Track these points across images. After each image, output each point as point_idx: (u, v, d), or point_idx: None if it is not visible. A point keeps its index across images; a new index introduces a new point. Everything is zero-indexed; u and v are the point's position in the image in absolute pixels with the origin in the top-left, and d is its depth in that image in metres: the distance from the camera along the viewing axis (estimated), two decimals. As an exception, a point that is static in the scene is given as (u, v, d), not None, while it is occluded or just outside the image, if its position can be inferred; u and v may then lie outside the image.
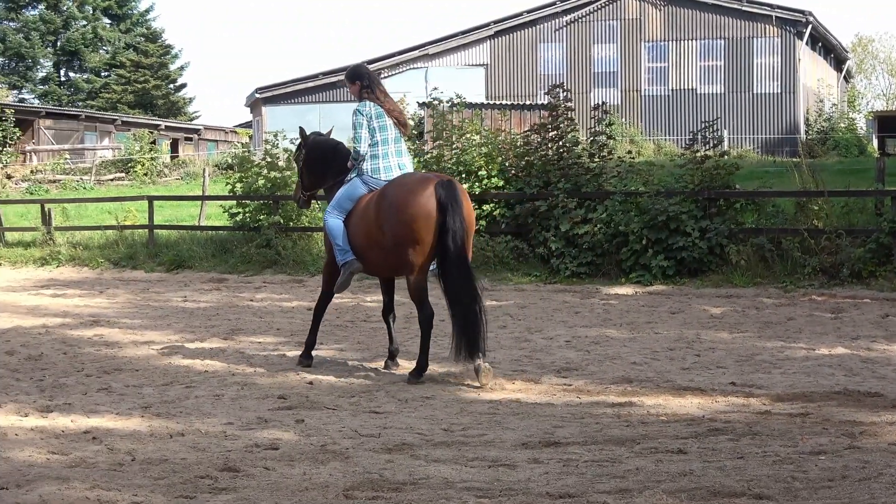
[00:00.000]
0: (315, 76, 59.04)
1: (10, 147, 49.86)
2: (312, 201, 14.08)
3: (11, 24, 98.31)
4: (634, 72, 55.45)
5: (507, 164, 21.98)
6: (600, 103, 25.83)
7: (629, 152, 23.19)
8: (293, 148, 25.04)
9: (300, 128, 12.67)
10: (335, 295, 12.35)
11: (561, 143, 21.56)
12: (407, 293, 11.12)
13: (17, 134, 52.60)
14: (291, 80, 59.71)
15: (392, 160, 11.50)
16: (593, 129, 22.08)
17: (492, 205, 21.43)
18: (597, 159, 21.36)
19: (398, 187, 10.96)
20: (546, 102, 26.08)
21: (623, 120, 51.58)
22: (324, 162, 12.18)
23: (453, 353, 10.64)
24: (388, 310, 11.95)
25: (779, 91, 53.22)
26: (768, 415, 8.92)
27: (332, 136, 12.56)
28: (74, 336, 14.37)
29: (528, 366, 11.59)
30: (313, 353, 11.98)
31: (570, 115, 21.85)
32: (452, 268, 10.60)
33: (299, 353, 12.20)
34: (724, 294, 17.67)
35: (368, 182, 11.41)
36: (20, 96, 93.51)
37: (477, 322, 10.51)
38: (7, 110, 52.54)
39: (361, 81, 11.72)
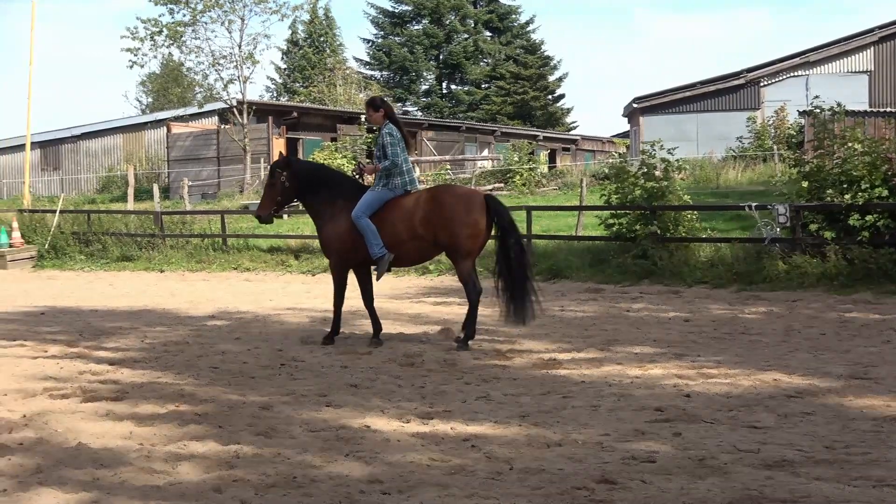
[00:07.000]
0: (693, 85, 58.67)
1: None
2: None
3: (396, 38, 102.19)
4: None
5: (890, 174, 21.20)
6: None
7: None
8: (664, 156, 24.96)
9: (280, 152, 16.22)
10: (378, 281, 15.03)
11: (948, 150, 20.70)
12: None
13: (403, 145, 54.52)
14: (669, 90, 59.51)
15: (413, 174, 14.67)
16: (984, 136, 21.11)
17: (874, 215, 20.70)
18: None
19: (453, 196, 14.23)
20: (934, 108, 25.11)
21: None
22: (319, 180, 14.88)
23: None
24: (370, 297, 14.92)
25: None
26: None
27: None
28: (454, 344, 14.69)
29: (915, 383, 11.12)
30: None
31: (959, 121, 21.00)
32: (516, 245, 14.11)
33: (678, 363, 12.29)
34: None
35: (396, 191, 14.40)
36: (404, 108, 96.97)
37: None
38: (391, 123, 54.50)
39: (385, 109, 14.95)
